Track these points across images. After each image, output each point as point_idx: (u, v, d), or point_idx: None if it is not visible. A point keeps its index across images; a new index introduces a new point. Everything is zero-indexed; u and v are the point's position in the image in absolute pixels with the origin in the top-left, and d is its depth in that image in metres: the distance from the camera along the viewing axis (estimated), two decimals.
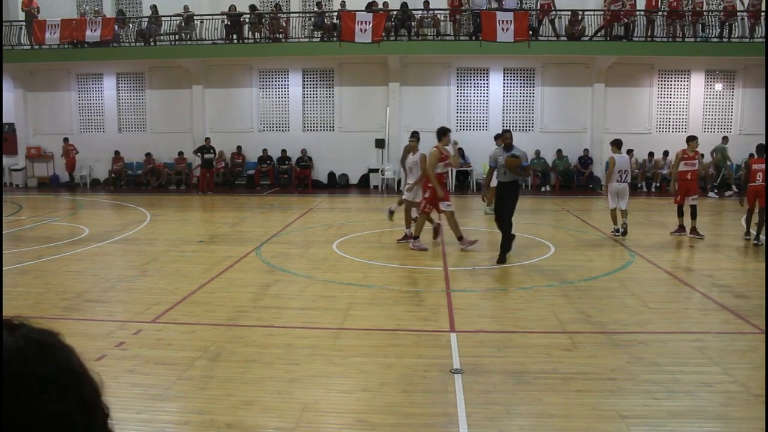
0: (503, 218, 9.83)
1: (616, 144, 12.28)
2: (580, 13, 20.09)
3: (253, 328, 6.82)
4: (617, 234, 12.18)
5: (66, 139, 22.03)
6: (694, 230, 12.10)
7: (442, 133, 11.11)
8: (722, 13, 20.05)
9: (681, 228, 12.35)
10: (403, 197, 11.62)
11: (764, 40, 18.87)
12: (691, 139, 12.38)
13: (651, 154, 20.80)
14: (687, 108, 21.50)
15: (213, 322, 6.97)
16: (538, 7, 20.53)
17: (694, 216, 12.07)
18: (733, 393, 5.07)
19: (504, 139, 10.02)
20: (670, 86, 21.54)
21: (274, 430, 4.53)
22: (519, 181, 10.13)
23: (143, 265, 9.89)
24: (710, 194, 19.22)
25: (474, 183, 21.19)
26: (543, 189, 21.07)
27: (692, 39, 20.16)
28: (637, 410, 4.75)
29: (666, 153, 20.71)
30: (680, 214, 12.35)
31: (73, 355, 0.99)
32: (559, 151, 21.18)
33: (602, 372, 5.50)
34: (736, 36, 20.12)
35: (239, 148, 21.94)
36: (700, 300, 7.98)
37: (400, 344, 6.26)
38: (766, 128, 17.90)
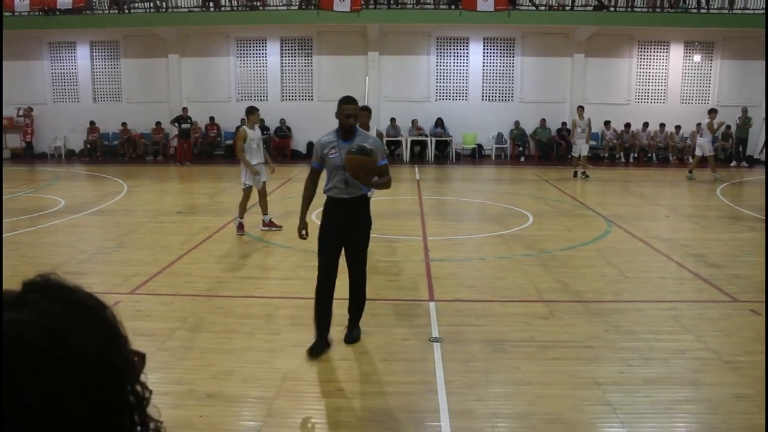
0: (352, 264, 5.52)
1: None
2: None
3: (232, 298, 6.81)
4: (584, 176, 16.49)
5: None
6: None
7: None
8: None
9: None
10: (248, 182, 9.71)
11: (765, 12, 18.59)
12: None
13: (628, 125, 20.89)
14: (666, 79, 21.59)
15: (192, 293, 6.95)
16: None
17: None
18: (705, 360, 5.18)
19: (344, 115, 5.23)
20: (649, 57, 21.58)
21: (254, 399, 4.55)
22: (368, 193, 5.74)
23: (121, 237, 9.81)
24: None
25: (453, 153, 21.18)
26: (521, 159, 21.16)
27: (671, 10, 20.18)
28: (612, 377, 4.84)
29: (645, 124, 20.81)
30: None
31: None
32: (543, 121, 21.22)
33: (579, 340, 5.58)
34: (715, 7, 20.16)
35: (212, 119, 21.65)
36: (676, 269, 8.09)
37: (380, 313, 6.29)
38: (766, 102, 18.05)
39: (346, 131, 5.26)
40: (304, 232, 5.46)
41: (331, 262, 5.35)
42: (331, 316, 5.30)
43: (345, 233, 5.36)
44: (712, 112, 16.57)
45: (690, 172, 16.64)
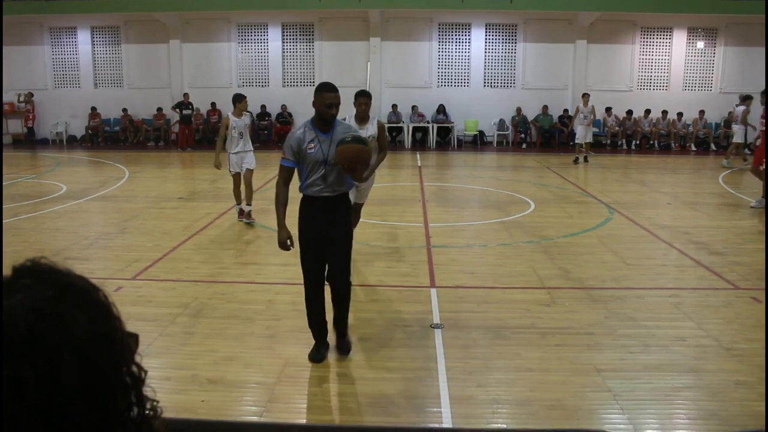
0: (335, 270, 4.88)
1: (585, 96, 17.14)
2: None
3: (234, 284, 6.82)
4: (585, 161, 16.98)
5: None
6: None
7: None
8: None
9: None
10: (233, 168, 9.66)
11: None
12: None
13: (630, 112, 20.81)
14: (669, 66, 21.49)
15: (194, 279, 6.97)
16: None
17: None
18: (705, 347, 5.19)
19: (325, 105, 4.66)
20: (652, 44, 21.48)
21: (255, 384, 4.57)
22: (351, 187, 5.25)
23: (122, 223, 9.82)
24: None
25: (455, 140, 21.15)
26: (523, 145, 21.12)
27: None
28: (613, 364, 4.85)
29: (648, 111, 20.76)
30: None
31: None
32: (545, 107, 21.16)
33: (580, 327, 5.59)
34: None
35: (213, 104, 21.55)
36: (677, 256, 8.09)
37: (381, 299, 6.30)
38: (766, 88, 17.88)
39: (326, 122, 4.68)
40: (289, 242, 4.75)
41: (318, 270, 4.86)
42: (326, 321, 4.99)
43: (329, 235, 4.74)
44: (747, 98, 16.13)
45: (745, 160, 16.42)
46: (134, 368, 0.92)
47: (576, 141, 17.49)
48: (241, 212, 9.79)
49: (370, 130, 6.79)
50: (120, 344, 0.90)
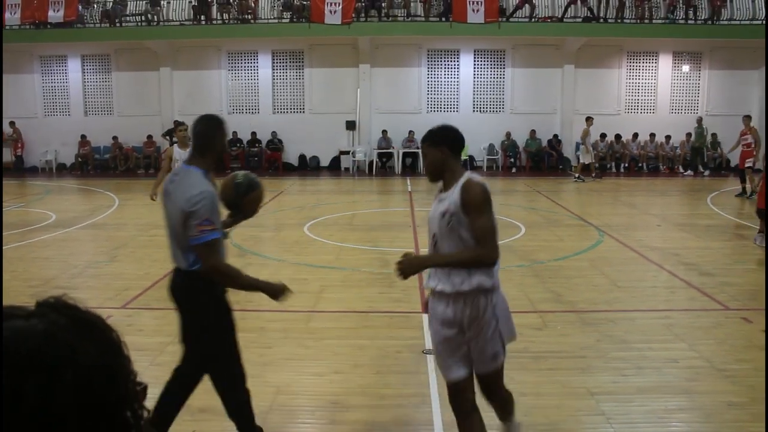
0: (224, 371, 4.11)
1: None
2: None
3: None
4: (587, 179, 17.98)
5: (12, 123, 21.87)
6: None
7: None
8: None
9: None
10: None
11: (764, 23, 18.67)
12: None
13: (618, 137, 20.97)
14: (655, 89, 21.74)
15: None
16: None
17: None
18: (698, 368, 5.19)
19: (224, 145, 3.97)
20: (638, 68, 21.74)
21: None
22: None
23: (112, 251, 9.77)
24: None
25: None
26: (513, 170, 21.22)
27: (660, 21, 20.37)
28: (606, 387, 4.84)
29: (636, 134, 20.95)
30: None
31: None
32: (533, 132, 21.30)
33: (572, 350, 5.59)
34: (702, 18, 20.37)
35: None
36: (668, 278, 8.12)
37: (373, 326, 6.28)
38: (766, 110, 18.05)
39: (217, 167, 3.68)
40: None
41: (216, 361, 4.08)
42: None
43: (209, 318, 3.91)
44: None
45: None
46: (138, 410, 0.94)
47: (585, 162, 18.44)
48: None
49: (450, 198, 3.56)
50: (125, 381, 0.92)
